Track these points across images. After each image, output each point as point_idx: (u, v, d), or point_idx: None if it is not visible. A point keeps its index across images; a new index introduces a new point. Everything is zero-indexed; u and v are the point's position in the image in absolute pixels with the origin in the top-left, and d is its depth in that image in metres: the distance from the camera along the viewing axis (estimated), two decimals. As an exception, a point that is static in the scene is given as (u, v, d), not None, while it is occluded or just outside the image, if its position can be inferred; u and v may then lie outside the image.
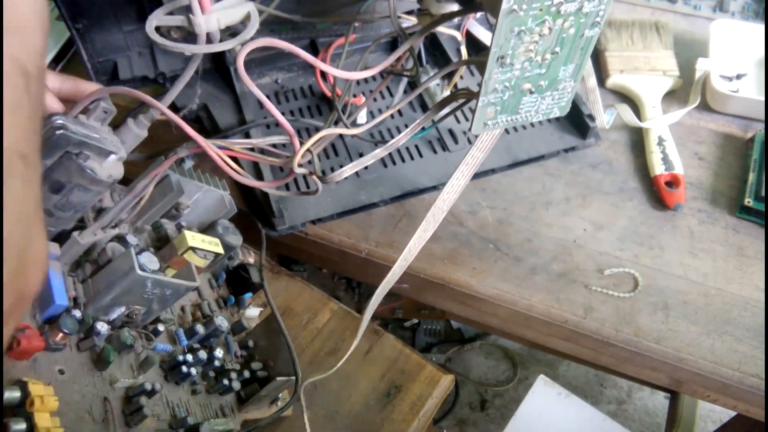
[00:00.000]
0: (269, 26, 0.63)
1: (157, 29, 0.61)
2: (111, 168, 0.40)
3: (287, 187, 0.62)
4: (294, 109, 0.68)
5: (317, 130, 0.66)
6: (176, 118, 0.42)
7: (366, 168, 0.63)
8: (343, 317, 0.60)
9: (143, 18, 0.61)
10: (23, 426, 0.31)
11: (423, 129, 0.66)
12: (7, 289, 0.18)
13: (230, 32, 0.57)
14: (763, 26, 0.76)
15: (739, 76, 0.74)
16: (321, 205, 0.61)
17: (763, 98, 0.69)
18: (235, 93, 0.66)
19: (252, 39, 0.43)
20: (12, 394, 0.33)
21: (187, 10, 0.42)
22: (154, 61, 0.64)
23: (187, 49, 0.44)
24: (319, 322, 0.59)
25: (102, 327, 0.39)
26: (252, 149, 0.48)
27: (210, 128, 0.64)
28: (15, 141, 0.17)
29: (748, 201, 0.62)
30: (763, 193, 0.62)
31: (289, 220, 0.59)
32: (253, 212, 0.61)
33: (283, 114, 0.67)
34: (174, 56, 0.65)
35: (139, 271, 0.39)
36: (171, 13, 0.44)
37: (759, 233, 0.62)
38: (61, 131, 0.36)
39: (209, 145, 0.43)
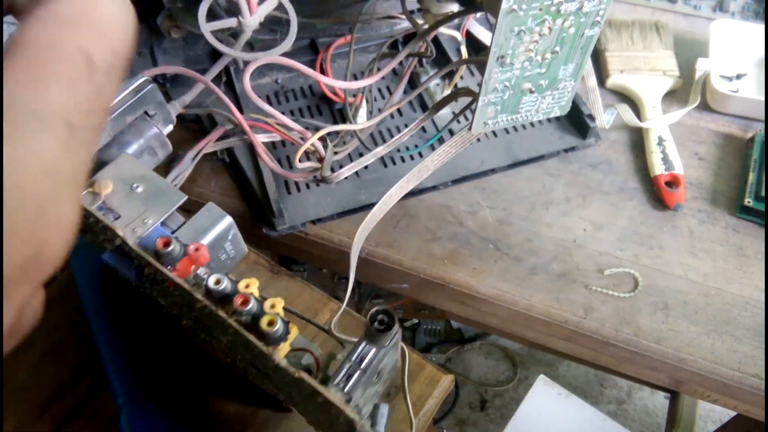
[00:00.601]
0: (269, 26, 0.63)
1: (158, 29, 0.61)
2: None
3: (288, 189, 0.62)
4: (294, 109, 0.68)
5: (317, 129, 0.66)
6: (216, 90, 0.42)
7: (366, 168, 0.63)
8: (344, 317, 0.60)
9: (143, 18, 0.61)
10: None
11: (434, 135, 0.66)
12: (21, 239, 0.15)
13: (230, 32, 0.57)
14: (763, 26, 0.76)
15: (739, 76, 0.74)
16: (321, 205, 0.61)
17: (763, 98, 0.69)
18: (234, 92, 0.66)
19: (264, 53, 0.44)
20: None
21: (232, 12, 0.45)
22: (154, 61, 0.64)
23: (241, 56, 0.50)
24: (319, 322, 0.59)
25: None
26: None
27: (209, 128, 0.64)
28: (62, 107, 0.17)
29: (748, 201, 0.62)
30: (763, 193, 0.62)
31: (289, 220, 0.59)
32: (253, 212, 0.61)
33: (282, 114, 0.67)
34: (174, 57, 0.65)
35: None
36: (214, 15, 0.48)
37: (759, 233, 0.62)
38: (152, 86, 0.39)
39: (243, 121, 0.44)
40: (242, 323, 0.34)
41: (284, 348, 0.35)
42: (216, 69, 0.56)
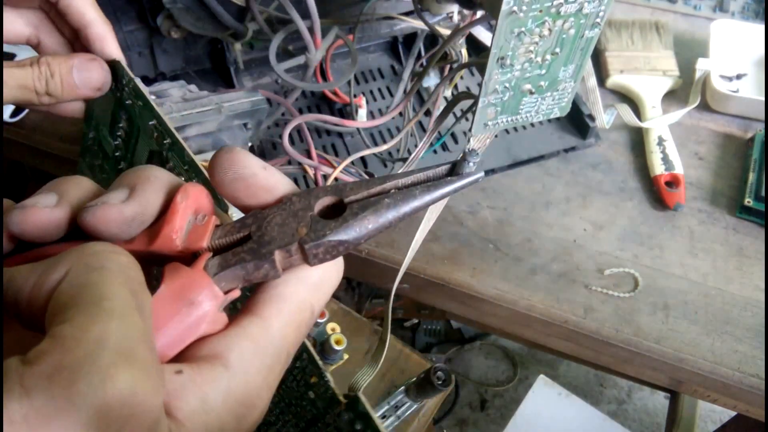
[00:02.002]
0: (269, 26, 0.63)
1: (158, 29, 0.61)
2: None
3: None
4: (294, 109, 0.68)
5: (317, 130, 0.66)
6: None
7: (367, 168, 0.63)
8: (343, 317, 0.60)
9: (143, 18, 0.61)
10: None
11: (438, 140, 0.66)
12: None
13: (231, 33, 0.57)
14: (763, 26, 0.76)
15: (739, 76, 0.74)
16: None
17: (763, 98, 0.69)
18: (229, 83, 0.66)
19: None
20: None
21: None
22: (154, 61, 0.64)
23: (304, 86, 0.58)
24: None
25: None
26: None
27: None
28: (291, 344, 0.23)
29: (748, 201, 0.62)
30: (763, 193, 0.62)
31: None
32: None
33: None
34: (174, 57, 0.65)
35: None
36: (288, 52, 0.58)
37: (759, 233, 0.62)
38: (264, 107, 0.48)
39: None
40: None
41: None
42: (309, 117, 0.58)
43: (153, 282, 0.22)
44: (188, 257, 0.23)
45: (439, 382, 0.35)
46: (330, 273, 0.25)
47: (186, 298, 0.21)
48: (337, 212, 0.24)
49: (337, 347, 0.35)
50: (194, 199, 0.24)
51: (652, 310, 0.57)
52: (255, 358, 0.22)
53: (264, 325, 0.23)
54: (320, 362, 0.32)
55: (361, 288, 1.32)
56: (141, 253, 0.23)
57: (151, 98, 0.38)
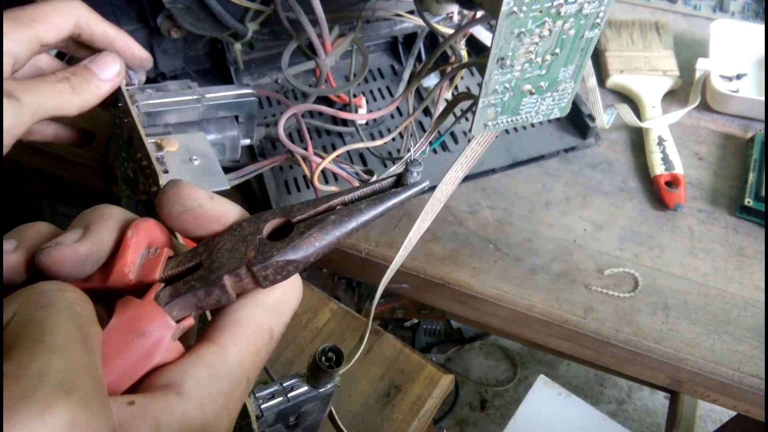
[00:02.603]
0: (270, 26, 0.63)
1: (158, 29, 0.61)
2: None
3: (287, 189, 0.62)
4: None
5: (317, 130, 0.66)
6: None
7: (366, 167, 0.63)
8: (343, 317, 0.60)
9: (143, 18, 0.61)
10: None
11: (437, 139, 0.66)
12: None
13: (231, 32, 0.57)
14: (763, 26, 0.76)
15: (739, 76, 0.74)
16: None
17: (763, 98, 0.69)
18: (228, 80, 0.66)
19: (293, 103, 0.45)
20: None
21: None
22: (155, 61, 0.64)
23: (314, 91, 0.60)
24: (319, 322, 0.59)
25: None
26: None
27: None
28: (248, 369, 0.24)
29: (748, 201, 0.62)
30: (763, 193, 0.62)
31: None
32: (252, 212, 0.61)
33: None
34: (174, 57, 0.65)
35: None
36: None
37: (759, 233, 0.62)
38: (253, 99, 0.50)
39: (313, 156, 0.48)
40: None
41: None
42: (305, 107, 0.58)
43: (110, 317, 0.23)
44: (143, 290, 0.24)
45: (327, 364, 0.35)
46: (287, 295, 0.25)
47: (137, 330, 0.22)
48: (285, 233, 0.24)
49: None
50: (145, 233, 0.24)
51: (652, 310, 0.57)
52: (211, 385, 0.22)
53: (220, 351, 0.23)
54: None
55: (361, 288, 1.32)
56: (98, 290, 0.23)
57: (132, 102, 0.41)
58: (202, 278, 0.23)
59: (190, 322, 0.23)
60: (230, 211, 0.25)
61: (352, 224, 0.24)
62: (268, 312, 0.24)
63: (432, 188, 0.62)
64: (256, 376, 0.24)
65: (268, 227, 0.25)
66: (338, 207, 0.25)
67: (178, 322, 0.23)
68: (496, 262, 0.59)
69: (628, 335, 0.55)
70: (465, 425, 1.32)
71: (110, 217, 0.25)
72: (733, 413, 0.75)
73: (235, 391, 0.23)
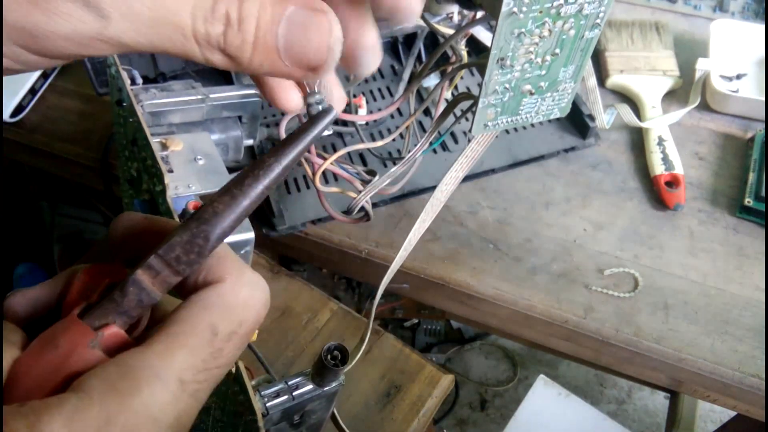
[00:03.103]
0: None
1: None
2: None
3: (288, 189, 0.62)
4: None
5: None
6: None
7: (366, 167, 0.63)
8: (343, 317, 0.60)
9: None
10: None
11: (437, 139, 0.66)
12: None
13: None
14: (763, 26, 0.76)
15: (739, 76, 0.74)
16: (321, 205, 0.61)
17: (763, 98, 0.69)
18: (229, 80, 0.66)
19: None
20: None
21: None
22: (155, 61, 0.64)
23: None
24: (319, 322, 0.59)
25: None
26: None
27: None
28: (179, 368, 0.21)
29: (748, 201, 0.62)
30: (763, 193, 0.62)
31: (289, 220, 0.59)
32: (252, 212, 0.61)
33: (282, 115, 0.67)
34: (174, 57, 0.65)
35: None
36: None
37: (759, 233, 0.62)
38: (256, 100, 0.49)
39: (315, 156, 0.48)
40: None
41: None
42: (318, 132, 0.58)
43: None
44: None
45: (333, 362, 0.35)
46: (233, 289, 0.23)
47: (52, 343, 0.22)
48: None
49: None
50: (93, 273, 0.24)
51: (652, 310, 0.57)
52: (120, 382, 0.20)
53: (140, 350, 0.22)
54: None
55: (361, 288, 1.32)
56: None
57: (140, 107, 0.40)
58: (120, 283, 0.23)
59: (112, 329, 0.22)
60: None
61: (259, 180, 0.22)
62: (206, 308, 0.23)
63: (432, 188, 0.62)
64: (203, 378, 0.22)
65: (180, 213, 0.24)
66: (245, 169, 0.23)
67: (98, 329, 0.22)
68: (496, 262, 0.59)
69: (628, 335, 0.55)
70: (465, 425, 1.32)
71: (72, 269, 0.25)
72: (733, 413, 0.75)
73: (153, 389, 0.21)
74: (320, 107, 0.24)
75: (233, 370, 0.33)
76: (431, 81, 0.72)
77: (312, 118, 0.23)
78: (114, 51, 0.22)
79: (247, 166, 0.23)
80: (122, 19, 0.21)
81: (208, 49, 0.22)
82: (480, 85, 0.35)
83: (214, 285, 0.23)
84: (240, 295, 0.23)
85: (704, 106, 0.72)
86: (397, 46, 0.73)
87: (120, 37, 0.21)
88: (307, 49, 0.22)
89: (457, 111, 0.68)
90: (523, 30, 0.32)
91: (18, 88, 0.68)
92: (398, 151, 0.65)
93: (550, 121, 0.69)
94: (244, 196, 0.22)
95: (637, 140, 0.69)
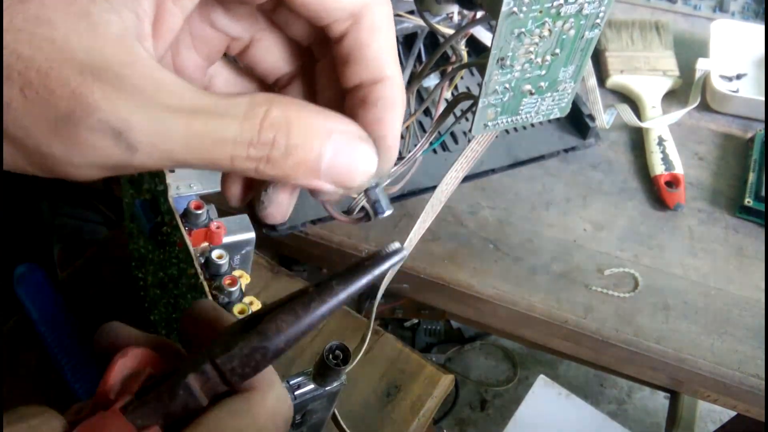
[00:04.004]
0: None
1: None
2: None
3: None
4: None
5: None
6: None
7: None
8: (343, 317, 0.60)
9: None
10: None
11: (437, 139, 0.66)
12: None
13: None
14: (763, 26, 0.76)
15: (739, 76, 0.74)
16: (320, 205, 0.61)
17: (763, 98, 0.69)
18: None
19: None
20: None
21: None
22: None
23: None
24: (319, 323, 0.59)
25: None
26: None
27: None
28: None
29: (748, 201, 0.62)
30: (763, 193, 0.62)
31: (289, 220, 0.59)
32: (252, 212, 0.61)
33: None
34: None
35: None
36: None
37: (759, 233, 0.62)
38: None
39: None
40: (217, 303, 0.36)
41: None
42: None
43: None
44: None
45: (335, 362, 0.35)
46: (263, 398, 0.24)
47: None
48: (254, 325, 0.23)
49: (239, 317, 0.36)
50: (133, 357, 0.24)
51: (652, 310, 0.57)
52: None
53: None
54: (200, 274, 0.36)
55: (361, 288, 1.32)
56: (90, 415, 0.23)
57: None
58: (169, 383, 0.22)
59: (155, 430, 0.22)
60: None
61: (325, 304, 0.22)
62: (233, 415, 0.23)
63: (432, 188, 0.62)
64: None
65: (239, 326, 0.23)
66: (310, 290, 0.23)
67: (141, 429, 0.22)
68: (496, 262, 0.59)
69: (628, 335, 0.55)
70: (465, 425, 1.32)
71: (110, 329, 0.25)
72: (733, 413, 0.75)
73: None
74: (394, 246, 0.24)
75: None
76: (431, 81, 0.72)
77: (385, 256, 0.24)
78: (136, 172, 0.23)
79: (315, 286, 0.23)
80: (153, 150, 0.20)
81: (243, 164, 0.22)
82: (480, 85, 0.35)
83: (245, 393, 0.23)
84: (267, 408, 0.24)
85: (704, 106, 0.72)
86: (397, 46, 0.73)
87: (146, 164, 0.20)
88: (348, 173, 0.23)
89: (457, 111, 0.68)
90: (523, 30, 0.32)
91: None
92: (398, 151, 0.65)
93: (550, 121, 0.69)
94: (307, 317, 0.22)
95: (637, 140, 0.69)
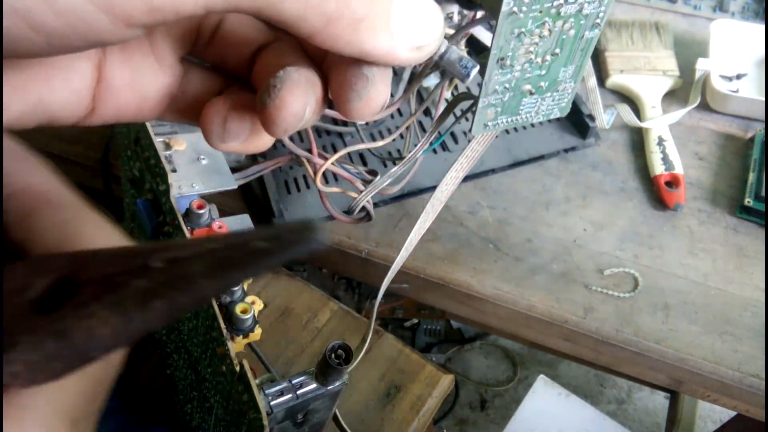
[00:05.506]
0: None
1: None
2: None
3: (288, 189, 0.62)
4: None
5: (317, 130, 0.66)
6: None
7: (366, 166, 0.63)
8: (343, 317, 0.60)
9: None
10: None
11: (437, 139, 0.66)
12: None
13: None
14: (763, 26, 0.76)
15: (739, 76, 0.74)
16: (321, 205, 0.61)
17: (763, 98, 0.69)
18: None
19: None
20: None
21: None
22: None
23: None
24: (319, 322, 0.59)
25: None
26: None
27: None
28: (69, 407, 0.17)
29: (748, 201, 0.62)
30: (763, 193, 0.62)
31: (289, 220, 0.59)
32: (252, 212, 0.61)
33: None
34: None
35: None
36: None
37: (759, 233, 0.62)
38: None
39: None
40: (219, 302, 0.36)
41: (240, 344, 0.37)
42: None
43: None
44: None
45: (337, 361, 0.35)
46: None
47: None
48: (66, 298, 0.15)
49: (241, 316, 0.35)
50: None
51: (652, 310, 0.57)
52: None
53: None
54: (225, 331, 0.34)
55: (361, 288, 1.32)
56: None
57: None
58: None
59: None
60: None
61: (171, 304, 0.14)
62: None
63: (432, 188, 0.62)
64: (84, 405, 0.18)
65: (42, 285, 0.16)
66: (155, 265, 0.15)
67: None
68: (496, 262, 0.59)
69: (628, 335, 0.55)
70: (465, 425, 1.32)
71: None
72: (733, 413, 0.75)
73: None
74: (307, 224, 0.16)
75: (237, 368, 0.33)
76: (431, 81, 0.72)
77: (290, 239, 0.16)
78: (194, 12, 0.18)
79: (167, 263, 0.15)
80: None
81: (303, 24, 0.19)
82: (480, 85, 0.35)
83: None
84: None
85: (704, 106, 0.72)
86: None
87: None
88: (424, 25, 0.20)
89: (457, 111, 0.68)
90: (523, 30, 0.32)
91: (18, 88, 0.68)
92: (398, 151, 0.65)
93: (550, 121, 0.69)
94: (138, 322, 0.15)
95: (637, 140, 0.69)
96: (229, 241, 0.15)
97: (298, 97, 0.20)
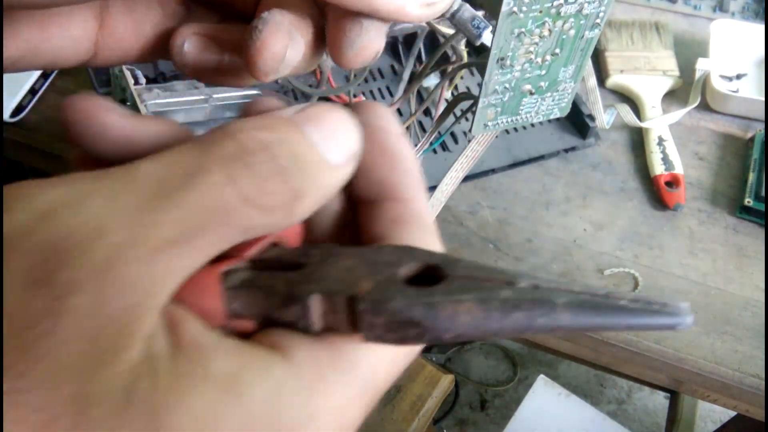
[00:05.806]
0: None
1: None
2: None
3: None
4: (294, 109, 0.68)
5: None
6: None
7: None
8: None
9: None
10: None
11: (437, 139, 0.66)
12: None
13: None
14: (763, 26, 0.76)
15: (739, 76, 0.74)
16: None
17: (763, 98, 0.69)
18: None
19: None
20: None
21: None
22: (155, 61, 0.64)
23: (315, 92, 0.60)
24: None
25: None
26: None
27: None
28: (379, 380, 0.18)
29: (748, 201, 0.62)
30: (763, 193, 0.62)
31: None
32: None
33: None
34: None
35: None
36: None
37: (759, 233, 0.62)
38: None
39: None
40: None
41: None
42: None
43: None
44: None
45: None
46: (381, 366, 0.18)
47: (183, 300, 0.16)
48: (430, 283, 0.16)
49: None
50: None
51: (652, 310, 0.57)
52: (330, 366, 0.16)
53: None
54: None
55: (361, 288, 1.32)
56: None
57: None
58: (290, 282, 0.16)
59: (246, 325, 0.17)
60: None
61: (528, 318, 0.15)
62: (354, 386, 0.17)
63: (432, 188, 0.62)
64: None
65: (412, 267, 0.17)
66: (522, 285, 0.16)
67: (233, 316, 0.17)
68: (496, 262, 0.59)
69: (628, 335, 0.55)
70: (465, 425, 1.32)
71: None
72: (733, 413, 0.75)
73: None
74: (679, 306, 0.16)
75: None
76: (431, 81, 0.72)
77: (656, 310, 0.16)
78: None
79: (533, 289, 0.16)
80: None
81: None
82: (480, 85, 0.35)
83: (370, 351, 0.18)
84: (378, 374, 0.19)
85: (704, 106, 0.72)
86: (397, 46, 0.73)
87: None
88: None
89: (457, 111, 0.68)
90: (523, 30, 0.32)
91: (18, 88, 0.68)
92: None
93: (550, 121, 0.69)
94: (492, 326, 0.16)
95: (637, 140, 0.69)
96: (592, 290, 0.16)
97: (279, 40, 0.20)
